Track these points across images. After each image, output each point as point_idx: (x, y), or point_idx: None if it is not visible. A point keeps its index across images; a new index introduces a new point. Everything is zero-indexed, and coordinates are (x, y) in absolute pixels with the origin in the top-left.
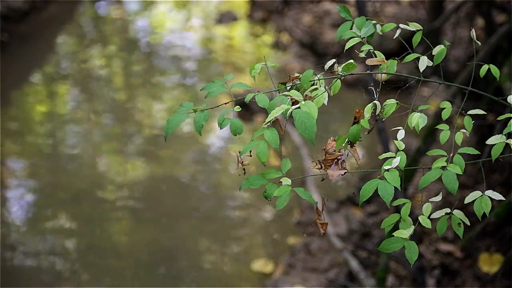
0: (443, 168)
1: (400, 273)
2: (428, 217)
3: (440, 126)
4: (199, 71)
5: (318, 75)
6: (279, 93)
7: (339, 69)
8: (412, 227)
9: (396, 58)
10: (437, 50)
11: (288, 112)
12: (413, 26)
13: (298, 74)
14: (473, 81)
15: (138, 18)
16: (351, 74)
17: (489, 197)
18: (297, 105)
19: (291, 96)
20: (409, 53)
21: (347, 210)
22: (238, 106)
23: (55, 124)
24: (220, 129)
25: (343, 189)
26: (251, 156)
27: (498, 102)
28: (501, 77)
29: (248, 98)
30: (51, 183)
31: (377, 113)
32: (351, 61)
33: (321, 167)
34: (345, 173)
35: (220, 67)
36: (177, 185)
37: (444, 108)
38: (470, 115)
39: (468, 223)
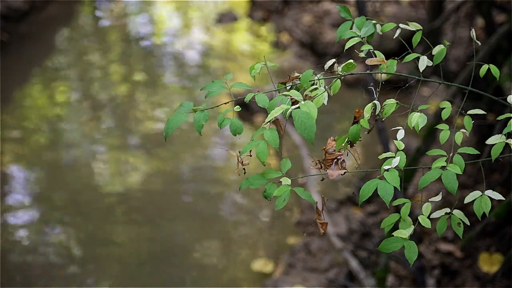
0: (443, 168)
1: (400, 273)
2: (428, 217)
3: (440, 126)
4: (199, 71)
5: (318, 75)
6: (279, 93)
7: (339, 69)
8: (412, 227)
9: (396, 58)
10: (437, 50)
11: (288, 112)
12: (413, 26)
13: (298, 74)
14: (473, 81)
15: (138, 17)
16: (351, 74)
17: (489, 197)
18: (297, 105)
19: (291, 96)
20: (409, 53)
21: (347, 210)
22: (238, 106)
23: (55, 124)
24: (220, 129)
25: (343, 189)
26: (251, 156)
27: (498, 102)
28: (501, 77)
29: (248, 98)
30: (51, 182)
31: (377, 113)
32: (351, 61)
33: (321, 167)
34: (345, 173)
35: (220, 67)
36: (177, 185)
37: (444, 108)
38: (470, 115)
39: (468, 223)
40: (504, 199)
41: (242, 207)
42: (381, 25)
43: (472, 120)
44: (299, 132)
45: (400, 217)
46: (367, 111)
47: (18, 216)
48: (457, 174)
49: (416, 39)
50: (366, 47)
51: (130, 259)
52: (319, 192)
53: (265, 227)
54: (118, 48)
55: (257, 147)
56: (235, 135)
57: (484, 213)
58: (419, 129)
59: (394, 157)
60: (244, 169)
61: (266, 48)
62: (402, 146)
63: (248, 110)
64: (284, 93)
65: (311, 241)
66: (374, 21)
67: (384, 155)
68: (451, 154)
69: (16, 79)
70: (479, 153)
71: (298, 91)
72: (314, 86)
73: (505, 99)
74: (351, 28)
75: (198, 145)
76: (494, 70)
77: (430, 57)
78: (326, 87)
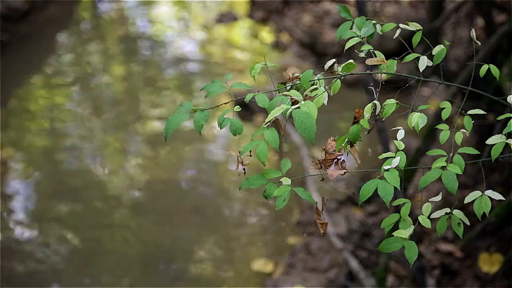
0: (443, 168)
1: (400, 273)
2: (428, 217)
3: (440, 126)
4: (199, 71)
5: (318, 75)
6: (279, 93)
7: (339, 69)
8: (412, 227)
9: (396, 58)
10: (437, 50)
11: (288, 112)
12: (413, 26)
13: (298, 74)
14: (473, 81)
15: (138, 18)
16: (351, 74)
17: (489, 197)
18: (297, 105)
19: (291, 96)
20: (409, 53)
21: (347, 210)
22: (238, 106)
23: (55, 123)
24: (220, 129)
25: (343, 189)
26: (251, 156)
27: (498, 102)
28: (501, 77)
29: (248, 98)
30: (51, 183)
31: (377, 113)
32: (351, 61)
33: (321, 167)
34: (345, 173)
35: (220, 67)
36: (177, 184)
37: (444, 108)
38: (470, 115)
39: (468, 223)
40: (504, 199)
41: (242, 207)
42: (381, 25)
43: (472, 120)
44: (299, 132)
45: (400, 217)
46: (367, 111)
47: (16, 217)
48: (457, 174)
49: (416, 39)
50: (366, 47)
51: (130, 259)
52: (319, 192)
53: (265, 227)
54: (118, 48)
55: (257, 147)
56: (235, 135)
57: (484, 213)
58: (419, 129)
59: (394, 157)
60: (244, 169)
61: (266, 48)
62: (402, 146)
63: (248, 110)
64: (284, 93)
65: (311, 241)
66: (374, 21)
67: (384, 155)
68: (451, 154)
69: (16, 79)
70: (479, 153)
71: (298, 91)
72: (314, 86)
73: (505, 99)
74: (351, 28)
75: (199, 145)
76: (494, 70)
77: (430, 57)
78: (326, 87)
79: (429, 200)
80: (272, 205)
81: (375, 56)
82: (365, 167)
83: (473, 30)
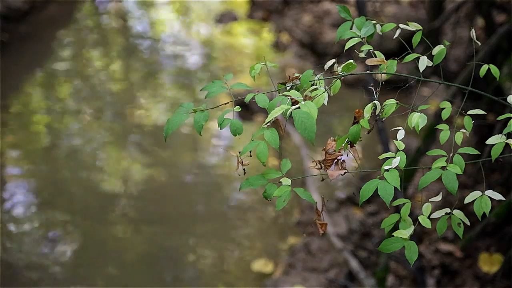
0: (443, 168)
1: (400, 273)
2: (428, 217)
3: (440, 126)
4: (199, 71)
5: (318, 75)
6: (279, 93)
7: (339, 69)
8: (412, 227)
9: (396, 58)
10: (437, 50)
11: (288, 112)
12: (413, 26)
13: (298, 74)
14: (473, 81)
15: (138, 17)
16: (351, 74)
17: (489, 197)
18: (297, 105)
19: (291, 96)
20: (409, 53)
21: (347, 210)
22: (238, 106)
23: (55, 124)
24: (220, 129)
25: (343, 189)
26: (251, 156)
27: (498, 102)
28: (501, 77)
29: (248, 98)
30: (51, 183)
31: (377, 113)
32: (351, 61)
33: (321, 167)
34: (345, 173)
35: (220, 67)
36: (177, 185)
37: (444, 108)
38: (470, 115)
39: (468, 223)
40: (504, 199)
41: (242, 207)
42: (381, 25)
43: (472, 120)
44: (300, 132)
45: (400, 217)
46: (367, 111)
47: (16, 217)
48: (457, 174)
49: (416, 39)
50: (366, 47)
51: (130, 259)
52: (319, 192)
53: (265, 227)
54: (118, 48)
55: (257, 147)
56: (235, 135)
57: (484, 213)
58: (419, 129)
59: (394, 157)
60: (244, 169)
61: (266, 48)
62: (402, 146)
63: (248, 110)
64: (284, 93)
65: (311, 241)
66: (374, 21)
67: (384, 155)
68: (451, 154)
69: (16, 79)
70: (479, 153)
71: (298, 91)
72: (314, 87)
73: (505, 99)
74: (351, 28)
75: (198, 145)
76: (494, 70)
77: (430, 57)
78: (326, 87)
79: (429, 200)
80: (272, 206)
81: (375, 56)
82: (365, 167)
83: (473, 30)
